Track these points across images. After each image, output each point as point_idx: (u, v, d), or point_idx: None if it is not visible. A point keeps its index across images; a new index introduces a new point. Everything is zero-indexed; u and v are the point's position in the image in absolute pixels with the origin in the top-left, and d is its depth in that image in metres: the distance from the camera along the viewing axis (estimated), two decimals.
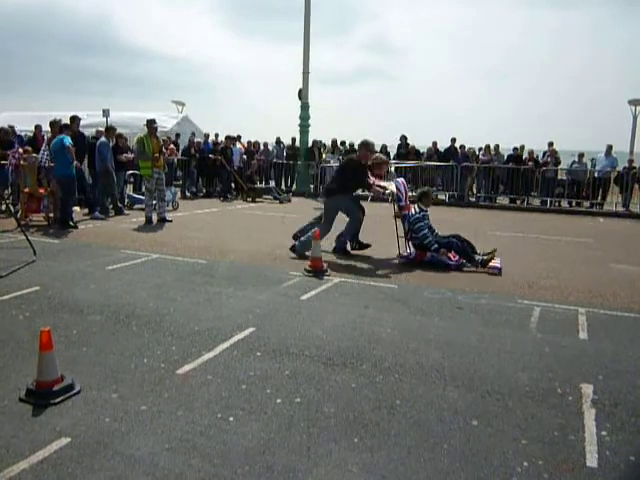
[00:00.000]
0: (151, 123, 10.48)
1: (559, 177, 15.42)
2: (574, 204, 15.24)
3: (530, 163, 15.41)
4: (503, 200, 15.97)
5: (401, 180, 8.25)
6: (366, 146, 7.88)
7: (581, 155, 15.27)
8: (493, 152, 16.05)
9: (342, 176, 7.87)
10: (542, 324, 4.89)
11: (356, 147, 18.00)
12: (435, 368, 3.84)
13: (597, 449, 2.87)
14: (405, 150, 17.02)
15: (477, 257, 7.08)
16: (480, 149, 16.50)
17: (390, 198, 7.67)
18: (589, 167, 15.23)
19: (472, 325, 4.83)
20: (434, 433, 2.99)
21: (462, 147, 16.40)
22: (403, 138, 17.29)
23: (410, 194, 8.28)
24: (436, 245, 7.15)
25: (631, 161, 15.03)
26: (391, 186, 7.74)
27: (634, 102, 18.03)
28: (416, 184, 16.32)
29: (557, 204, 15.29)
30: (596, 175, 14.91)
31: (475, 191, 16.50)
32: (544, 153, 15.76)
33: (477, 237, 8.24)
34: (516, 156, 15.82)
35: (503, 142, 16.49)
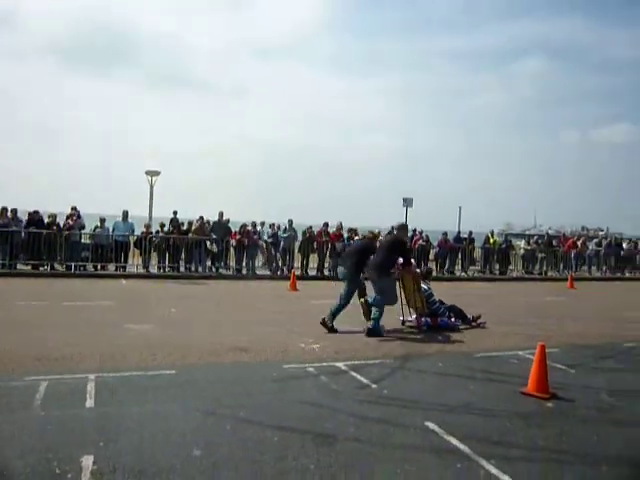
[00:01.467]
0: None
1: (84, 241, 15.49)
2: (100, 267, 15.47)
3: (54, 227, 14.98)
4: (25, 266, 14.85)
5: None
6: (406, 228, 9.78)
7: (103, 220, 15.74)
8: (11, 215, 14.86)
9: (392, 254, 8.46)
10: (48, 399, 4.63)
11: None
12: None
13: None
14: None
15: (469, 316, 9.10)
16: None
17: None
18: (111, 232, 15.77)
19: None
20: None
21: None
22: None
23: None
24: (447, 312, 8.97)
25: (148, 226, 16.40)
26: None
27: (150, 173, 19.63)
28: None
29: (82, 268, 15.22)
30: (119, 240, 15.59)
31: None
32: (67, 217, 15.52)
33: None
34: (37, 220, 15.10)
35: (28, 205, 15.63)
